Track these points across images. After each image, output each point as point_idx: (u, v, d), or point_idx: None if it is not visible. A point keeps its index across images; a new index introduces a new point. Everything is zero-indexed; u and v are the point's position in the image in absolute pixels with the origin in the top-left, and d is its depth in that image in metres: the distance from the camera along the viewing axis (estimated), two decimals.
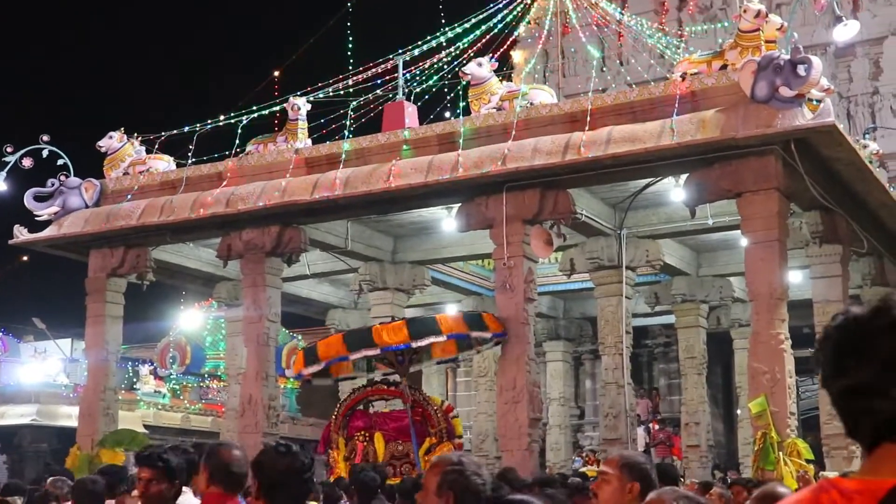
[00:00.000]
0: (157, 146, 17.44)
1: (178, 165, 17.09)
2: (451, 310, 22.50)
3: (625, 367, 16.02)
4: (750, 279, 12.72)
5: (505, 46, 19.04)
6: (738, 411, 21.67)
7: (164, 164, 17.20)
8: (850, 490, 1.64)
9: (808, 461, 11.53)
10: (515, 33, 19.79)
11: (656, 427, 24.99)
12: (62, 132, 17.83)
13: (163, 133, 17.34)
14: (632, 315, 16.89)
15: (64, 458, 16.97)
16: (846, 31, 14.22)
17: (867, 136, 19.92)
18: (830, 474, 10.31)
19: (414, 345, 13.22)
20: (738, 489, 9.65)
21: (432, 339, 13.34)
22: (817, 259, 14.90)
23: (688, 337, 19.10)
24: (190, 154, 16.53)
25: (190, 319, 27.95)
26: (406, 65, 17.17)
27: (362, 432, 13.46)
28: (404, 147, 14.54)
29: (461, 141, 13.97)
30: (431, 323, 13.64)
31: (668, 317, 21.19)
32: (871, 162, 14.61)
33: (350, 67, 17.39)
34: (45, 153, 16.94)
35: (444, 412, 13.35)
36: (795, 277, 16.35)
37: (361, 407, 13.80)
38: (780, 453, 11.47)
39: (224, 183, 15.87)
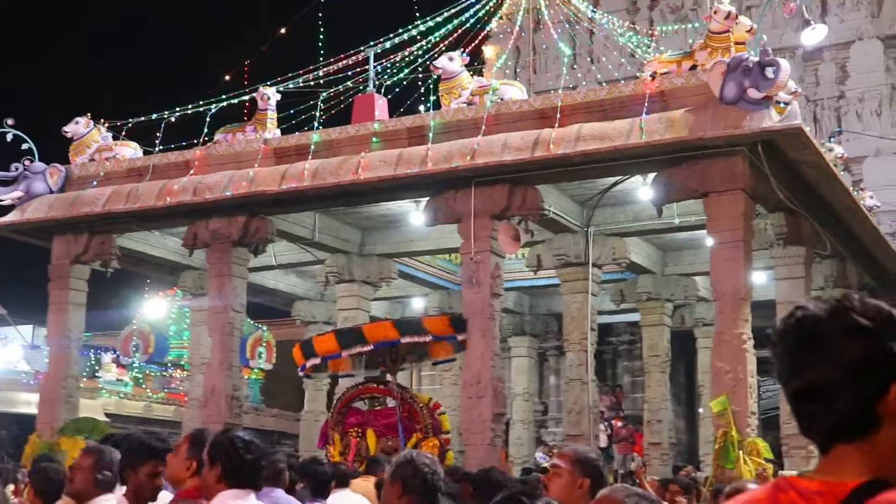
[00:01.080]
0: (123, 133, 17.33)
1: (146, 153, 16.97)
2: (418, 303, 22.59)
3: (589, 364, 16.08)
4: (715, 279, 12.82)
5: (477, 41, 19.08)
6: (700, 409, 21.84)
7: (130, 150, 17.07)
8: (811, 491, 1.64)
9: (767, 460, 11.66)
10: (487, 28, 19.83)
11: (619, 424, 25.16)
12: (27, 117, 17.67)
13: (130, 120, 17.25)
14: (597, 312, 16.94)
15: (23, 445, 16.83)
16: (814, 35, 14.35)
17: (833, 139, 20.13)
18: (789, 473, 10.42)
19: (402, 341, 13.41)
20: (675, 489, 9.74)
21: (419, 338, 13.51)
22: (781, 260, 15.04)
23: (652, 335, 19.22)
24: (157, 142, 16.45)
25: (154, 308, 27.77)
26: (377, 57, 17.17)
27: (356, 428, 13.74)
28: (374, 139, 14.52)
29: (431, 135, 13.96)
30: (417, 323, 13.91)
31: (633, 314, 21.30)
32: (836, 165, 14.77)
33: (321, 58, 17.37)
34: (9, 137, 16.77)
35: (430, 409, 13.69)
36: (759, 278, 16.49)
37: (360, 404, 14.13)
38: (741, 452, 11.59)
39: (191, 171, 15.78)
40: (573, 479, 3.94)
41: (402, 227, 17.57)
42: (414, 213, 16.13)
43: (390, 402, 13.64)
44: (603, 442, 22.19)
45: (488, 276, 13.82)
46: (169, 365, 26.97)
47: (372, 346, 13.44)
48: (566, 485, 3.91)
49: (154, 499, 4.47)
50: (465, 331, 13.91)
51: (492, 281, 13.87)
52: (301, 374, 15.48)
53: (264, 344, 27.62)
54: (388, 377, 14.02)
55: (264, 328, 27.70)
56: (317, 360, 13.90)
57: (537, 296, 23.25)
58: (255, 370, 27.88)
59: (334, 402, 14.41)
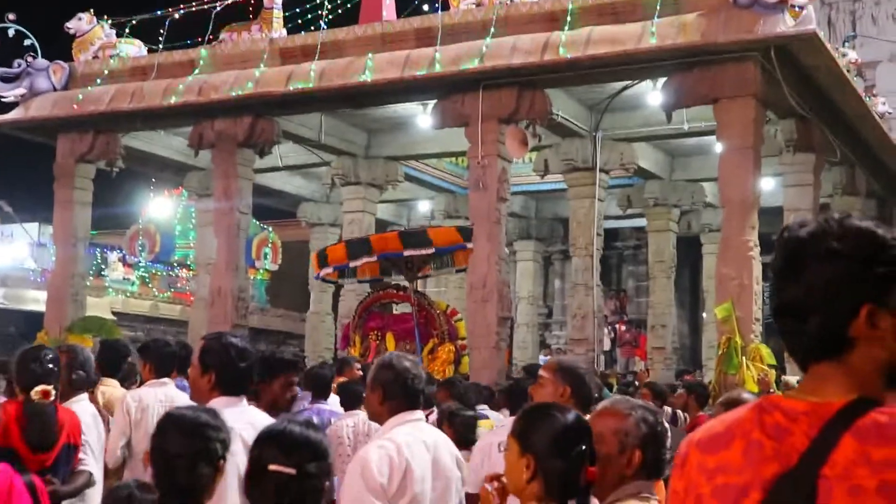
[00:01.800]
0: (127, 30, 17.14)
1: (150, 51, 16.81)
2: (424, 206, 22.65)
3: (594, 269, 16.19)
4: (723, 185, 12.80)
5: None
6: (704, 315, 22.01)
7: (134, 48, 16.91)
8: (797, 411, 1.66)
9: (770, 366, 11.79)
10: None
11: (623, 328, 25.41)
12: (29, 12, 17.47)
13: (133, 17, 17.05)
14: (603, 217, 17.01)
15: (31, 342, 17.02)
16: None
17: (846, 44, 19.84)
18: (792, 379, 10.55)
19: (405, 254, 13.56)
20: (645, 392, 9.78)
21: (423, 251, 13.65)
22: (790, 167, 14.99)
23: (658, 240, 19.27)
24: (161, 40, 16.29)
25: (160, 208, 27.84)
26: None
27: (376, 332, 14.04)
28: (381, 41, 14.38)
29: (439, 36, 13.82)
30: (422, 234, 14.02)
31: (639, 220, 21.34)
32: (848, 71, 14.60)
33: None
34: (10, 32, 16.59)
35: (447, 315, 14.06)
36: (767, 185, 16.46)
37: (378, 308, 14.45)
38: (744, 358, 11.71)
39: (196, 71, 15.65)
40: (555, 387, 4.08)
41: (409, 130, 17.51)
42: (421, 115, 16.06)
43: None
44: (606, 346, 22.48)
45: (495, 179, 13.82)
46: (175, 264, 27.11)
47: (376, 258, 13.61)
48: (549, 394, 4.03)
49: (289, 409, 4.62)
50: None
51: (498, 185, 13.87)
52: (318, 279, 15.85)
53: (270, 245, 27.76)
54: (408, 284, 14.26)
55: (270, 229, 27.80)
56: (328, 270, 14.16)
57: (544, 200, 23.28)
58: (261, 271, 28.04)
59: (357, 306, 14.69)
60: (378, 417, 3.91)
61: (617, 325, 25.37)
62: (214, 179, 16.22)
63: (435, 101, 14.54)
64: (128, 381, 7.53)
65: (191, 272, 24.77)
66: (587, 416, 3.15)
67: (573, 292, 16.50)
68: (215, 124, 15.64)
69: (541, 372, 4.23)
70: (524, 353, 22.76)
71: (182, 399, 5.39)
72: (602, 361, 18.36)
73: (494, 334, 13.62)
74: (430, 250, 13.73)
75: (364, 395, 4.31)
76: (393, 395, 3.86)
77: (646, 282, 21.91)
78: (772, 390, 10.76)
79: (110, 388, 6.93)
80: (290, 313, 27.15)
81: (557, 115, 14.57)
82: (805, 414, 1.65)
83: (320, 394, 7.71)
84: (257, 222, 25.60)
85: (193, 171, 18.78)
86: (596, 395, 4.30)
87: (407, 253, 13.69)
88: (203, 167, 18.09)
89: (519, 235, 23.43)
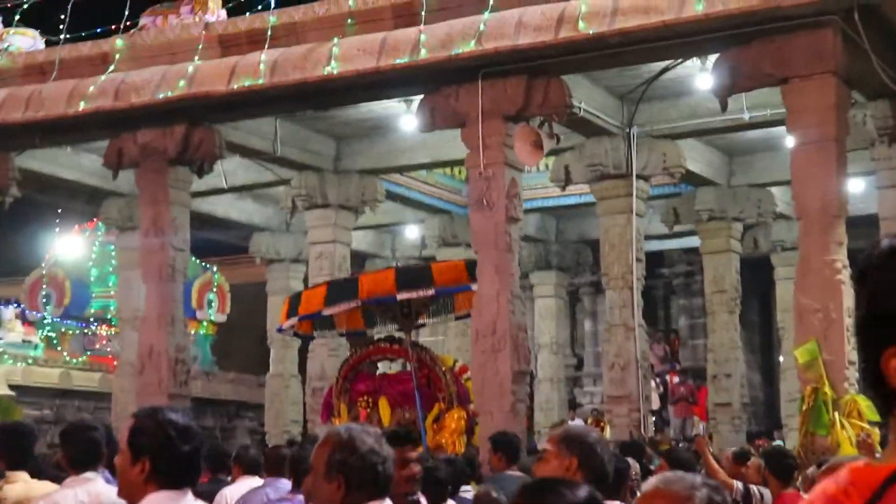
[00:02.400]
0: (17, 17, 17.21)
1: (48, 44, 16.87)
2: (412, 232, 22.63)
3: (635, 305, 16.17)
4: (797, 190, 12.83)
5: None
6: (781, 359, 22.00)
7: (28, 40, 16.99)
8: (856, 480, 1.68)
9: (871, 423, 11.71)
10: None
11: (675, 380, 25.38)
12: None
13: None
14: (644, 237, 17.01)
15: None
16: None
17: None
18: None
19: (399, 297, 13.60)
20: (663, 465, 9.78)
21: (421, 292, 13.64)
22: (885, 163, 15.03)
23: (716, 264, 19.28)
24: (63, 28, 16.34)
25: (69, 247, 27.79)
26: None
27: (366, 397, 14.12)
28: (349, 21, 14.44)
29: (423, 13, 13.88)
30: (423, 271, 13.96)
31: (690, 239, 21.35)
32: None
33: None
34: None
35: (456, 374, 14.00)
36: (857, 186, 16.51)
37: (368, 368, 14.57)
38: (836, 413, 11.66)
39: (111, 68, 15.70)
40: (560, 461, 4.24)
41: (390, 135, 17.57)
42: (404, 116, 16.09)
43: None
44: (655, 403, 22.44)
45: (502, 194, 13.84)
46: (91, 320, 27.05)
47: (359, 303, 13.63)
48: (555, 469, 4.18)
49: (414, 492, 4.96)
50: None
51: (507, 201, 13.89)
52: (280, 332, 15.86)
53: (215, 289, 27.70)
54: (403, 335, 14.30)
55: (214, 269, 27.76)
56: (294, 321, 14.16)
57: (566, 218, 23.30)
58: (205, 323, 28.00)
59: (340, 365, 14.92)
60: None
61: (668, 377, 25.35)
62: (140, 207, 16.24)
63: (421, 97, 14.57)
64: (43, 475, 7.50)
65: (112, 329, 24.71)
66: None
67: (609, 336, 16.49)
68: (138, 136, 15.66)
69: (544, 444, 4.41)
70: (548, 416, 22.71)
71: (112, 498, 5.38)
72: (650, 424, 18.33)
73: (509, 394, 13.60)
74: (430, 291, 13.73)
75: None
76: (361, 484, 3.85)
77: (702, 319, 21.91)
78: (877, 454, 10.73)
79: (20, 483, 6.90)
80: (245, 377, 27.08)
81: (579, 108, 14.61)
82: (853, 484, 1.68)
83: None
84: (197, 261, 25.57)
85: (112, 198, 18.80)
86: (609, 467, 4.42)
87: (402, 296, 13.74)
88: (124, 192, 18.11)
89: (536, 265, 23.44)
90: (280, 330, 15.33)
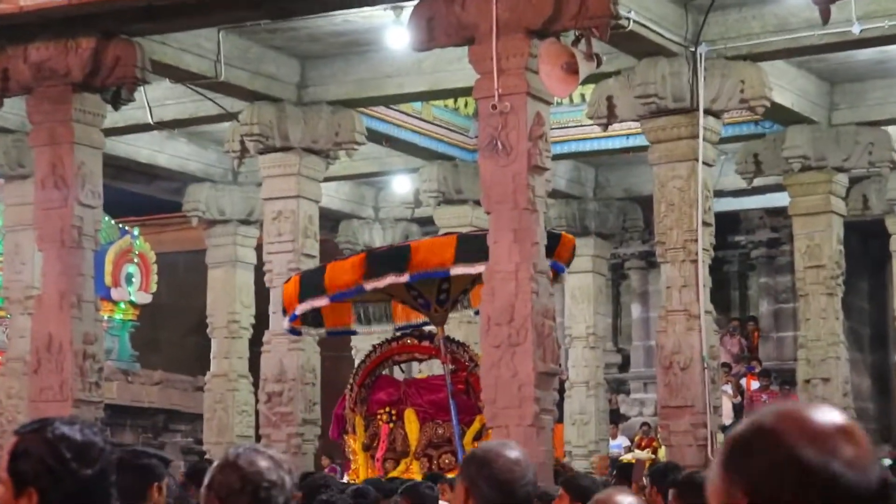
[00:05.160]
0: None
1: None
2: (402, 185, 22.62)
3: (700, 284, 16.18)
4: None
5: None
6: None
7: None
8: None
9: None
10: None
11: (754, 384, 25.41)
12: None
13: None
14: (714, 194, 17.00)
15: None
16: None
17: None
18: None
19: (453, 272, 13.76)
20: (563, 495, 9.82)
21: (478, 267, 13.85)
22: None
23: (811, 230, 19.26)
24: None
25: None
26: None
27: (387, 408, 14.56)
28: None
29: None
30: (479, 241, 14.30)
31: (776, 196, 21.36)
32: None
33: None
34: None
35: None
36: None
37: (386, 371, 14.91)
38: None
39: None
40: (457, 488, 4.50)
41: (372, 55, 17.62)
42: (391, 28, 16.12)
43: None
44: (728, 415, 22.44)
45: (523, 135, 13.84)
46: None
47: (408, 278, 13.81)
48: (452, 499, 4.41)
49: None
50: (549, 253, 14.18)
51: (530, 144, 13.89)
52: (292, 327, 16.09)
53: (136, 260, 27.71)
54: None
55: (136, 233, 27.76)
56: (322, 301, 14.41)
57: (609, 168, 23.34)
58: (123, 306, 28.02)
59: (355, 369, 15.38)
60: None
61: (745, 380, 25.38)
62: (34, 150, 16.23)
63: (415, 3, 14.55)
64: None
65: None
66: None
67: (665, 325, 16.49)
68: (31, 52, 15.67)
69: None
70: (583, 433, 22.73)
71: None
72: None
73: (531, 402, 13.61)
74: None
75: None
76: None
77: (791, 304, 21.92)
78: None
79: None
80: (177, 377, 27.15)
81: (628, 18, 14.58)
82: None
83: None
84: (113, 222, 25.57)
85: None
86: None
87: (456, 271, 13.95)
88: (12, 128, 18.13)
89: (568, 230, 23.40)
90: (292, 320, 15.66)
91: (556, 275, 15.28)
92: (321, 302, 14.97)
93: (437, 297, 14.51)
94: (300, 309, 15.10)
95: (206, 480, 4.08)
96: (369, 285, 14.21)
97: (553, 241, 14.60)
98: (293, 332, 16.75)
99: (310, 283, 15.04)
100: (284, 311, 15.77)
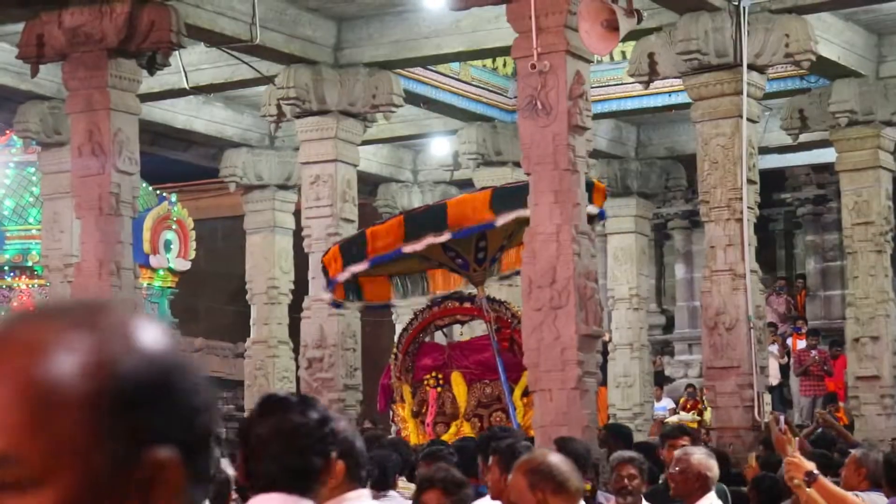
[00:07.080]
0: None
1: None
2: (441, 147, 22.63)
3: (746, 243, 16.15)
4: None
5: None
6: None
7: None
8: None
9: None
10: None
11: (801, 344, 25.37)
12: None
13: None
14: (759, 151, 16.94)
15: None
16: None
17: None
18: None
19: (498, 222, 13.79)
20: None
21: (519, 212, 13.91)
22: None
23: (859, 187, 19.20)
24: None
25: None
26: None
27: (433, 373, 14.71)
28: None
29: None
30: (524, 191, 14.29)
31: (823, 152, 21.28)
32: None
33: None
34: None
35: None
36: None
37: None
38: None
39: None
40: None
41: (409, 16, 17.68)
42: None
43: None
44: (774, 376, 22.43)
45: (563, 95, 13.81)
46: (6, 267, 27.23)
47: (450, 235, 13.88)
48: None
49: None
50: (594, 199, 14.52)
51: (571, 103, 13.86)
52: (332, 298, 16.24)
53: (175, 227, 27.78)
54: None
55: (174, 200, 27.84)
56: (362, 266, 14.52)
57: (651, 126, 23.27)
58: (161, 273, 28.11)
59: (398, 336, 15.67)
60: None
61: (791, 340, 25.33)
62: (70, 116, 16.26)
63: None
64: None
65: (36, 281, 24.87)
66: None
67: (710, 285, 16.48)
68: (65, 18, 15.66)
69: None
70: (627, 396, 22.74)
71: None
72: (769, 403, 18.31)
73: (574, 365, 13.62)
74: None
75: None
76: None
77: (839, 262, 21.84)
78: None
79: None
80: (217, 344, 27.25)
81: None
82: None
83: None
84: (150, 188, 25.64)
85: (30, 104, 18.87)
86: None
87: (501, 221, 14.08)
88: (48, 95, 18.15)
89: (610, 189, 23.41)
90: (331, 287, 15.81)
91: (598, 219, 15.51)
92: (361, 267, 15.03)
93: (476, 255, 14.57)
94: (342, 276, 15.17)
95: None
96: (408, 248, 14.28)
97: (587, 189, 14.65)
98: (335, 304, 16.87)
99: (349, 251, 15.12)
100: (327, 282, 15.82)
